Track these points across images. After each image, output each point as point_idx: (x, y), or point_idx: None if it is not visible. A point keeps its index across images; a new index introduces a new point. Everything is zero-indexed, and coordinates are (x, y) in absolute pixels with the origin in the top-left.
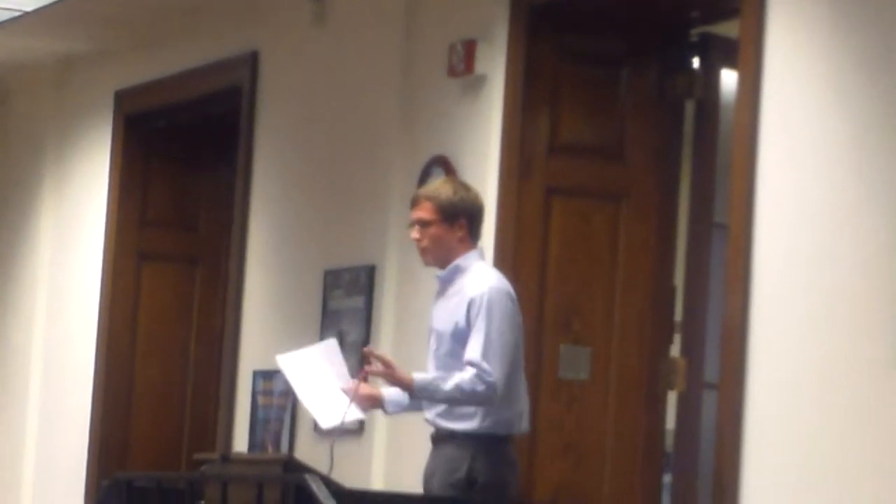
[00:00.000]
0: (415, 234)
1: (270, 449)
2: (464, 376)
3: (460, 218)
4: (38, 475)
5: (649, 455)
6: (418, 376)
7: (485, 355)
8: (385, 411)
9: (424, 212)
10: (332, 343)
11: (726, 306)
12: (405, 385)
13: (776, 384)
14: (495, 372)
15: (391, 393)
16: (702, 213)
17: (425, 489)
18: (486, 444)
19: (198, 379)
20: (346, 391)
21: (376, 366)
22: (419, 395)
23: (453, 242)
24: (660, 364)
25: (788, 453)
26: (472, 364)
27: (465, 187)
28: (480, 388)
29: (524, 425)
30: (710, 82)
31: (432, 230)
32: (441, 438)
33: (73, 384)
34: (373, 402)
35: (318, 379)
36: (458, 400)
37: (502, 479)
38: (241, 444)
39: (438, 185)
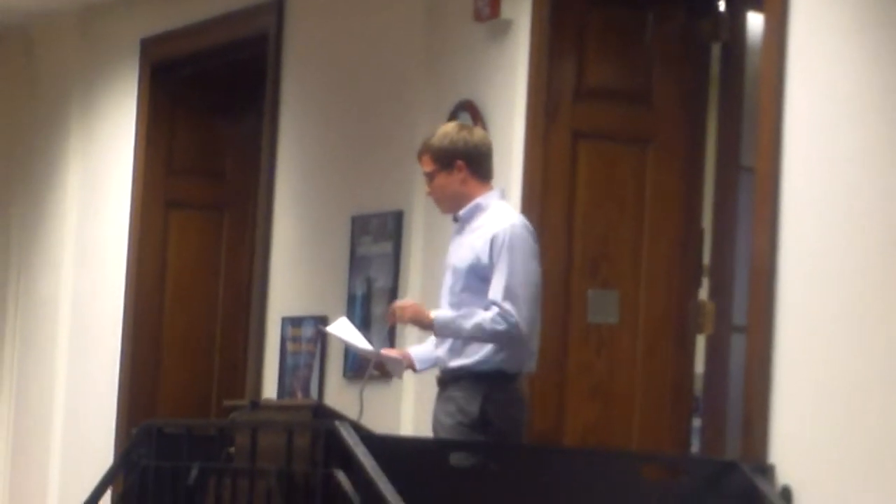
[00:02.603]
0: (426, 188)
1: (300, 395)
2: (486, 315)
3: (456, 160)
4: (68, 424)
5: (678, 398)
6: (439, 315)
7: (508, 294)
8: (415, 370)
9: (426, 164)
10: (344, 321)
11: (754, 249)
12: (426, 323)
13: (805, 326)
14: (519, 311)
15: (418, 351)
16: (729, 156)
17: (435, 433)
18: (496, 384)
19: (226, 326)
20: (376, 355)
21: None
22: (440, 334)
23: (457, 186)
24: (688, 307)
25: (817, 395)
26: (494, 304)
27: (459, 127)
28: (501, 327)
29: (532, 365)
30: (737, 25)
31: (436, 180)
32: (449, 380)
33: (102, 333)
34: (406, 362)
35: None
36: (479, 339)
37: (513, 417)
38: (270, 390)
39: (432, 136)
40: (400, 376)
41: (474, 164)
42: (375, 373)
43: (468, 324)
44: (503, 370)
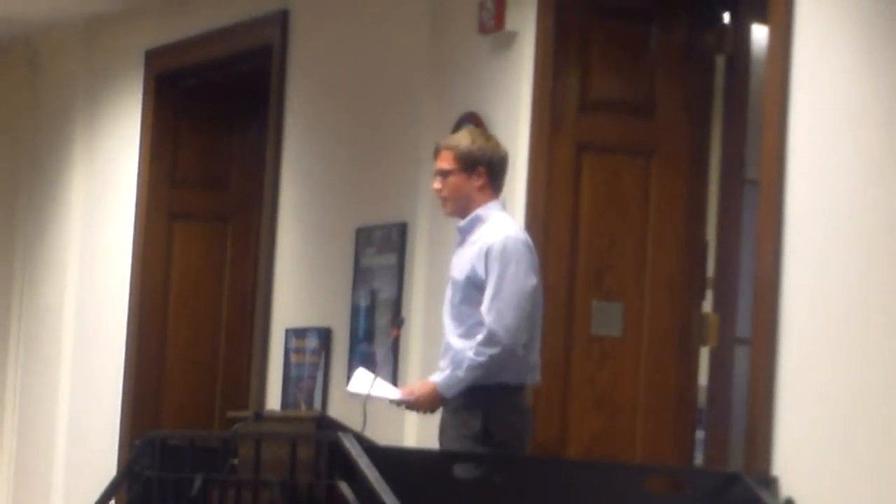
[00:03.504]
0: (436, 184)
1: (303, 406)
2: (469, 356)
3: (479, 166)
4: (72, 434)
5: (682, 411)
6: (437, 381)
7: (492, 306)
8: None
9: (444, 161)
10: (361, 371)
11: (758, 261)
12: (433, 399)
13: (808, 339)
14: (502, 322)
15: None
16: (733, 168)
17: (440, 445)
18: (498, 397)
19: (230, 337)
20: (400, 399)
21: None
22: (450, 394)
23: (472, 191)
24: (692, 320)
25: (821, 408)
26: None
27: (486, 137)
28: (484, 358)
29: (536, 377)
30: (741, 37)
31: (452, 179)
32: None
33: (106, 344)
34: (434, 402)
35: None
36: (481, 374)
37: (517, 429)
38: (273, 401)
39: (458, 136)
40: (433, 411)
41: (494, 175)
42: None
43: (462, 372)
44: (506, 383)
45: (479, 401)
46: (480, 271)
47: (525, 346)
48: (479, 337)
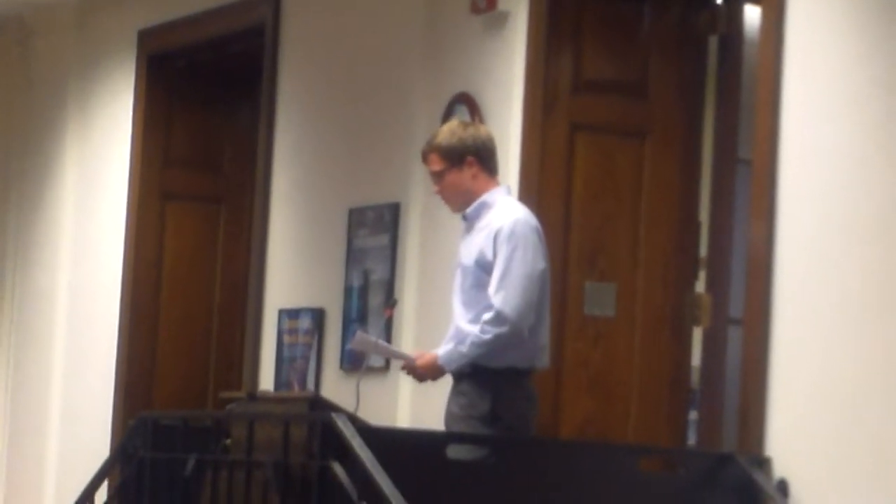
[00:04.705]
0: (434, 188)
1: (296, 387)
2: (474, 331)
3: (467, 156)
4: (65, 415)
5: (675, 391)
6: (440, 354)
7: (499, 287)
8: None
9: (433, 164)
10: (359, 334)
11: (751, 241)
12: (433, 369)
13: (801, 319)
14: (509, 302)
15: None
16: (726, 148)
17: (447, 425)
18: (507, 380)
19: (223, 318)
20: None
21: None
22: (451, 368)
23: (468, 183)
24: (685, 300)
25: (815, 388)
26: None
27: (464, 125)
28: (489, 335)
29: (545, 360)
30: (734, 17)
31: (446, 178)
32: (462, 375)
33: (99, 325)
34: (433, 371)
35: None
36: (484, 353)
37: (523, 413)
38: (266, 382)
39: (438, 134)
40: (434, 378)
41: (483, 159)
42: (376, 366)
43: (465, 348)
44: (515, 367)
45: (489, 383)
46: (489, 254)
47: (532, 328)
48: (487, 316)
